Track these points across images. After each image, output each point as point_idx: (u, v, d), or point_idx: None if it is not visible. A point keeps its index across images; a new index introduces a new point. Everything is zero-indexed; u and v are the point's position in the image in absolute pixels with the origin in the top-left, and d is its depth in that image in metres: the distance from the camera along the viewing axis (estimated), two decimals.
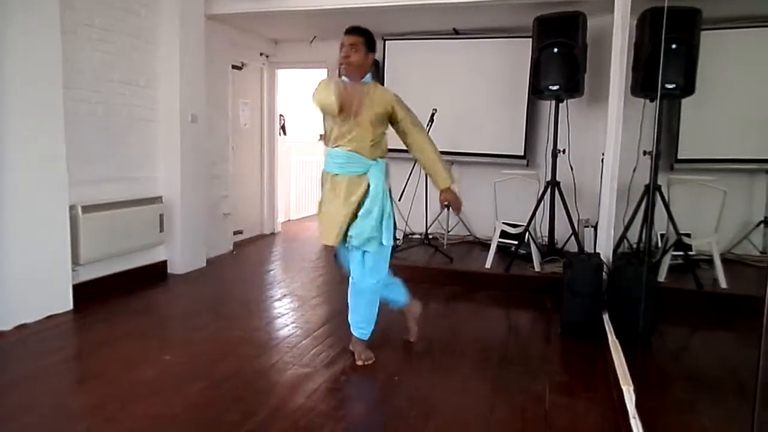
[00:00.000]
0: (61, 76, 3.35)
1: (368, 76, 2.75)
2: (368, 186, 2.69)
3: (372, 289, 2.76)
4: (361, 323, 2.82)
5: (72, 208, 3.51)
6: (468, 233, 5.51)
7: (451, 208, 2.85)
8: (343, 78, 2.73)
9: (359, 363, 2.78)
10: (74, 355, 2.94)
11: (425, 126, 4.59)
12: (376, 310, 2.84)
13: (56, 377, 2.60)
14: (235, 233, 5.74)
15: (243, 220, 5.99)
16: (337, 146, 2.71)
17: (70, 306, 3.49)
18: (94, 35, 3.75)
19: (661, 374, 2.78)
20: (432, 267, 4.53)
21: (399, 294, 3.01)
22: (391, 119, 2.76)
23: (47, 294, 3.35)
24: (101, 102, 3.85)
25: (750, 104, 4.46)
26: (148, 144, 4.30)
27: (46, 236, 3.32)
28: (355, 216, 2.69)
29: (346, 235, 2.71)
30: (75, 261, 3.54)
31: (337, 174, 2.73)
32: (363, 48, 2.69)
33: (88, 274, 3.73)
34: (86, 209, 3.59)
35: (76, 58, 3.61)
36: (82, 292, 3.60)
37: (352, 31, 2.72)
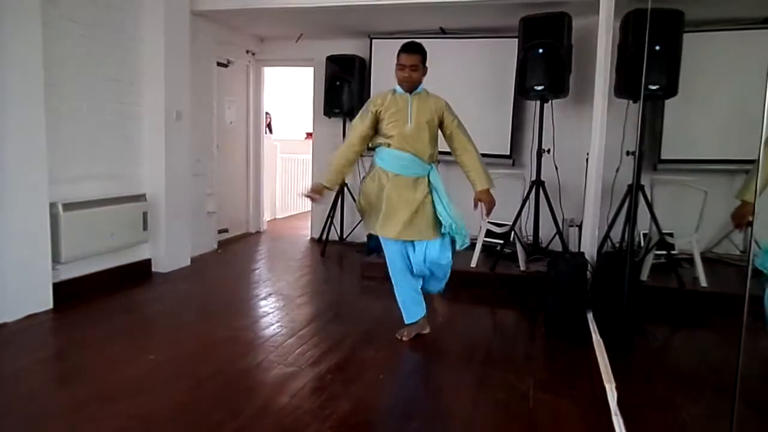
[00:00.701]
0: (43, 72, 3.29)
1: (421, 86, 3.01)
2: (429, 186, 2.98)
3: (449, 262, 3.04)
4: (440, 286, 3.16)
5: (53, 205, 3.45)
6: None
7: (484, 210, 3.06)
8: (396, 88, 3.01)
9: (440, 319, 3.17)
10: (55, 354, 2.90)
11: None
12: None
13: (36, 377, 2.56)
14: (220, 231, 5.70)
15: (228, 218, 5.95)
16: (396, 148, 2.94)
17: (51, 305, 3.44)
18: (76, 31, 3.70)
19: (643, 372, 2.81)
20: None
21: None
22: (441, 125, 3.00)
23: (27, 293, 3.30)
24: (84, 99, 3.79)
25: (731, 106, 4.53)
26: (131, 141, 4.25)
27: (25, 234, 3.26)
28: (415, 212, 2.93)
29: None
30: (56, 259, 3.49)
31: (399, 174, 2.95)
32: (422, 66, 2.96)
33: (69, 273, 3.67)
34: (67, 207, 3.54)
35: (58, 53, 3.55)
36: (64, 290, 3.55)
37: (411, 50, 2.94)
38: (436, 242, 2.97)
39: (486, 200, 3.00)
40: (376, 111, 2.95)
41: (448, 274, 3.12)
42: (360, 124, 2.98)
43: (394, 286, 3.10)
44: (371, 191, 3.02)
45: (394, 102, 2.96)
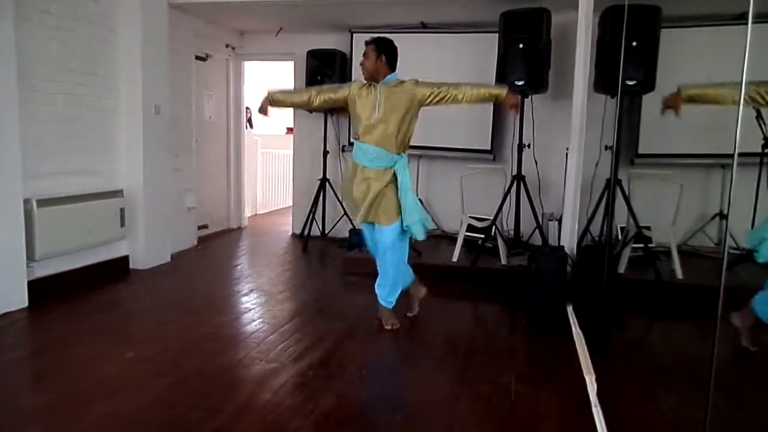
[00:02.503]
0: (16, 65, 3.21)
1: (392, 76, 3.09)
2: (393, 176, 3.07)
3: (394, 257, 3.16)
4: (386, 293, 3.21)
5: (26, 201, 3.38)
6: (435, 227, 5.55)
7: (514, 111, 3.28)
8: (362, 80, 3.17)
9: (388, 327, 3.16)
10: (30, 353, 2.84)
11: None
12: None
13: (12, 377, 2.51)
14: (200, 227, 5.64)
15: (208, 214, 5.88)
16: (365, 141, 3.06)
17: (26, 303, 3.37)
18: (50, 22, 3.61)
19: (622, 363, 2.86)
20: None
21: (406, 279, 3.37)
22: (423, 102, 3.08)
23: (1, 291, 3.22)
24: (59, 92, 3.71)
25: None
26: (108, 136, 4.18)
27: None
28: (375, 198, 3.07)
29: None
30: (30, 256, 3.42)
31: (365, 166, 3.08)
32: (373, 54, 3.05)
33: (44, 270, 3.60)
34: (42, 203, 3.46)
35: (31, 46, 3.47)
36: (39, 288, 3.48)
37: (369, 41, 3.11)
38: (387, 228, 3.09)
39: (514, 99, 3.13)
40: (348, 95, 3.13)
41: (398, 282, 3.20)
42: (329, 89, 3.24)
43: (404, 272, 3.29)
44: (346, 184, 3.24)
45: (366, 94, 3.09)
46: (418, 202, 3.15)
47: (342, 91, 3.17)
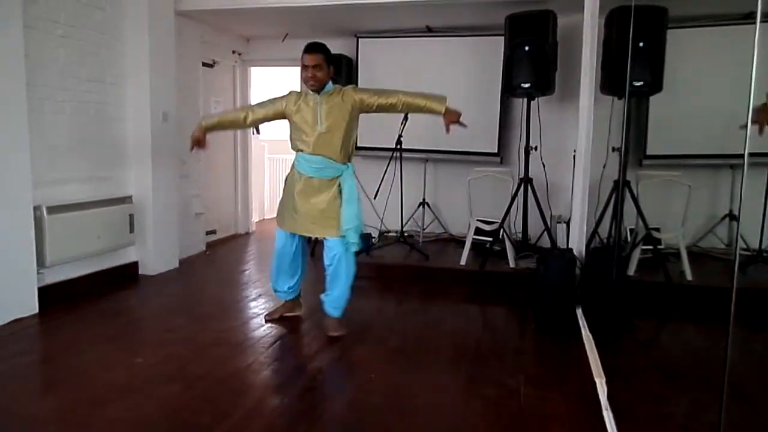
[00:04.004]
0: (25, 73, 3.24)
1: (329, 85, 3.01)
2: (339, 188, 3.01)
3: (347, 265, 3.10)
4: (335, 304, 3.16)
5: (36, 208, 3.40)
6: (443, 230, 5.54)
7: (455, 125, 3.10)
8: (308, 90, 3.02)
9: (334, 335, 3.06)
10: (41, 359, 2.86)
11: (399, 124, 4.64)
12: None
13: (22, 382, 2.52)
14: (208, 233, 5.66)
15: (216, 219, 5.90)
16: (308, 153, 3.00)
17: (36, 309, 3.39)
18: (58, 31, 3.65)
19: (633, 366, 2.83)
20: (408, 264, 4.54)
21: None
22: (363, 109, 3.02)
23: (11, 297, 3.24)
24: (68, 100, 3.74)
25: (714, 101, 4.57)
26: (117, 143, 4.21)
27: (9, 238, 3.21)
28: (318, 214, 3.03)
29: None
30: (40, 263, 3.44)
31: (311, 176, 3.02)
32: (326, 66, 2.96)
33: (54, 277, 3.62)
34: (51, 210, 3.49)
35: (40, 54, 3.50)
36: (49, 295, 3.50)
37: (313, 49, 2.95)
38: (337, 240, 3.04)
39: (454, 116, 3.02)
40: (285, 108, 3.04)
41: (346, 294, 3.12)
42: (263, 105, 3.12)
43: (273, 272, 3.32)
44: (286, 189, 3.18)
45: (305, 105, 3.00)
46: (360, 212, 3.09)
47: (278, 105, 3.07)
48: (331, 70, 3.00)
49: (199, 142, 3.10)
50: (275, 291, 3.39)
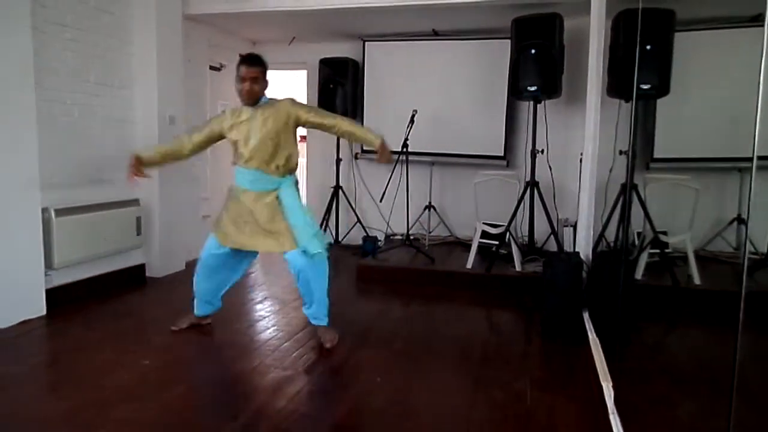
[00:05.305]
0: (33, 77, 3.27)
1: (264, 97, 2.95)
2: (277, 200, 2.93)
3: (315, 272, 2.98)
4: (319, 311, 3.06)
5: (44, 211, 3.43)
6: (449, 234, 5.53)
7: (386, 160, 3.01)
8: (242, 106, 2.95)
9: (327, 346, 2.95)
10: (48, 360, 2.88)
11: (405, 127, 4.65)
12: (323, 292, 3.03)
13: (30, 384, 2.53)
14: None
15: None
16: (243, 166, 2.94)
17: (44, 311, 3.41)
18: (66, 34, 3.68)
19: (640, 370, 2.82)
20: (413, 268, 4.54)
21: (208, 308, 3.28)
22: (298, 123, 2.94)
23: (19, 299, 3.27)
24: (76, 103, 3.77)
25: (722, 104, 4.55)
26: (124, 146, 4.22)
27: (17, 240, 3.24)
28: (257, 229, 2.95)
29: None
30: (48, 265, 3.46)
31: (247, 189, 2.95)
32: (262, 78, 2.90)
33: (62, 279, 3.65)
34: (60, 212, 3.51)
35: (48, 57, 3.53)
36: (57, 296, 3.53)
37: (251, 62, 2.87)
38: (294, 252, 2.89)
39: (387, 154, 2.95)
40: (221, 127, 2.97)
41: (324, 303, 3.02)
42: (200, 130, 3.04)
43: (196, 276, 3.19)
44: (227, 199, 3.10)
45: (239, 119, 2.92)
46: (309, 219, 2.96)
47: (214, 126, 2.99)
48: (266, 83, 2.94)
49: (136, 170, 2.95)
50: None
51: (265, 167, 2.91)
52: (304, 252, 2.86)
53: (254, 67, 2.86)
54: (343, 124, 2.98)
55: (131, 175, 2.97)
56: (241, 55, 2.96)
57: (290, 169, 3.01)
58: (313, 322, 3.05)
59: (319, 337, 3.04)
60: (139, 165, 2.95)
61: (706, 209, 4.42)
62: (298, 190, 3.04)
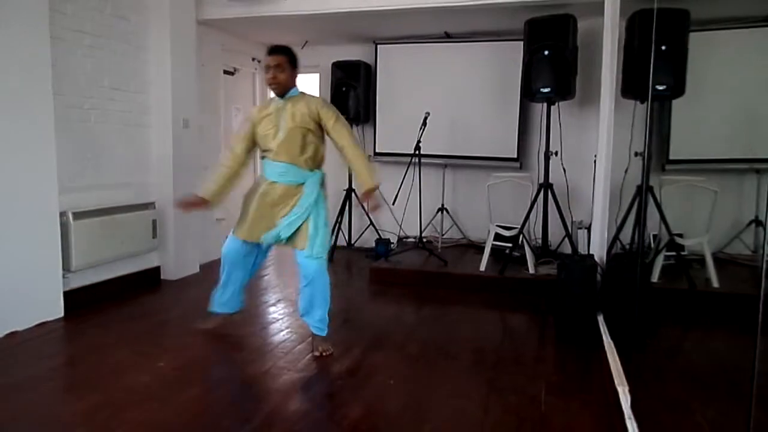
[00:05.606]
0: (51, 82, 3.32)
1: (294, 90, 2.93)
2: (302, 195, 2.89)
3: (321, 278, 2.95)
4: (317, 318, 2.99)
5: (63, 214, 3.48)
6: (462, 236, 5.52)
7: (369, 208, 2.97)
8: (274, 96, 2.95)
9: (316, 354, 2.90)
10: (66, 362, 2.91)
11: (418, 129, 4.65)
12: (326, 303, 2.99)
13: (47, 385, 2.57)
14: None
15: None
16: (272, 159, 2.91)
17: (62, 313, 3.46)
18: (84, 41, 3.73)
19: (656, 374, 2.78)
20: (426, 270, 4.53)
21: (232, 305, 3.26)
22: (319, 124, 2.90)
23: (38, 301, 3.32)
24: (93, 108, 3.83)
25: (739, 104, 4.49)
26: (140, 149, 4.28)
27: (36, 243, 3.29)
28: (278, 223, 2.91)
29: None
30: (66, 268, 3.51)
31: (275, 182, 2.92)
32: (288, 67, 2.88)
33: (79, 281, 3.70)
34: (77, 216, 3.56)
35: (66, 63, 3.59)
36: (74, 299, 3.57)
37: (275, 51, 2.87)
38: (303, 251, 2.88)
39: (368, 199, 2.87)
40: (252, 124, 2.97)
41: (324, 310, 2.95)
42: (237, 140, 3.04)
43: (222, 277, 3.17)
44: (248, 195, 3.06)
45: (265, 112, 2.93)
46: (325, 228, 2.92)
47: (248, 126, 2.99)
48: (295, 73, 2.93)
49: (195, 206, 3.03)
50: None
51: (294, 160, 2.88)
52: (309, 256, 2.86)
53: (277, 55, 2.85)
54: (350, 151, 2.88)
55: (187, 209, 3.09)
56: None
57: (318, 163, 2.98)
58: (315, 332, 2.96)
59: (314, 346, 2.96)
60: (200, 205, 3.02)
61: (723, 211, 4.36)
62: (325, 188, 3.01)
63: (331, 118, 2.89)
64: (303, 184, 2.91)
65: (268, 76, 2.87)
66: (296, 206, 2.89)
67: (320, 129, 2.92)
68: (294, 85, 2.94)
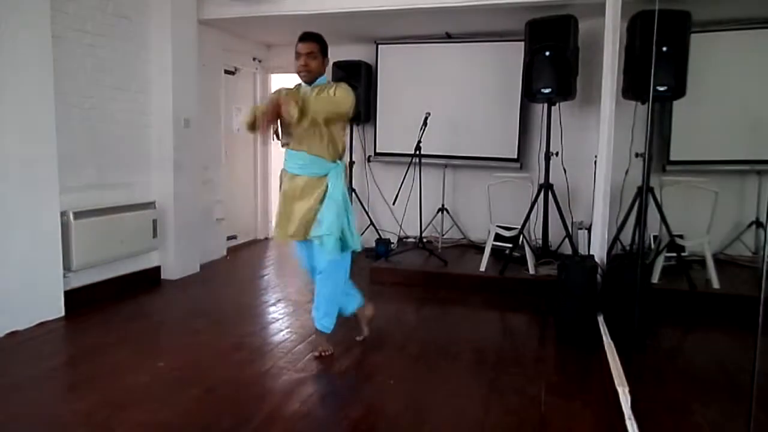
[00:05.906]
0: (53, 81, 3.33)
1: (323, 78, 2.87)
2: (327, 187, 2.79)
3: (331, 278, 2.88)
4: (321, 316, 2.93)
5: (63, 214, 3.48)
6: (462, 236, 5.52)
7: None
8: (301, 83, 2.87)
9: (315, 354, 2.87)
10: (66, 362, 2.91)
11: (418, 129, 4.65)
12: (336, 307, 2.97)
13: (48, 384, 2.57)
14: (228, 238, 5.72)
15: (236, 225, 5.96)
16: (293, 148, 2.83)
17: (62, 313, 3.46)
18: (86, 40, 3.74)
19: (657, 375, 2.78)
20: (426, 270, 4.53)
21: (352, 303, 3.10)
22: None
23: (38, 301, 3.32)
24: (94, 107, 3.83)
25: (740, 105, 4.49)
26: (140, 149, 4.28)
27: (37, 243, 3.29)
28: (304, 215, 2.81)
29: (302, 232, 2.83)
30: (67, 267, 3.51)
31: (296, 174, 2.84)
32: (320, 55, 2.82)
33: (80, 281, 3.70)
34: (78, 215, 3.57)
35: (68, 63, 3.59)
36: (74, 298, 3.58)
37: (307, 38, 2.80)
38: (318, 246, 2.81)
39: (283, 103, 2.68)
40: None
41: (334, 304, 2.91)
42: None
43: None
44: (281, 198, 2.94)
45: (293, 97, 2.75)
46: (338, 221, 2.76)
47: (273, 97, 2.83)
48: (326, 62, 2.86)
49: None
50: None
51: (316, 149, 2.78)
52: (344, 248, 2.81)
53: (310, 42, 2.78)
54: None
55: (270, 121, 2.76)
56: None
57: (340, 154, 2.87)
58: (316, 326, 2.95)
59: (314, 344, 2.97)
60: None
61: (724, 212, 4.36)
62: (346, 178, 2.90)
63: (333, 86, 2.76)
64: (326, 175, 2.81)
65: (299, 63, 2.78)
66: (325, 200, 2.78)
67: (344, 118, 2.84)
68: (324, 73, 2.86)
